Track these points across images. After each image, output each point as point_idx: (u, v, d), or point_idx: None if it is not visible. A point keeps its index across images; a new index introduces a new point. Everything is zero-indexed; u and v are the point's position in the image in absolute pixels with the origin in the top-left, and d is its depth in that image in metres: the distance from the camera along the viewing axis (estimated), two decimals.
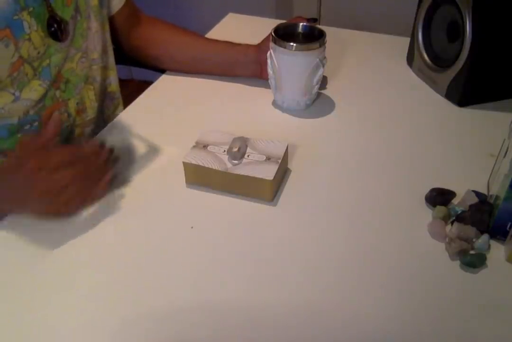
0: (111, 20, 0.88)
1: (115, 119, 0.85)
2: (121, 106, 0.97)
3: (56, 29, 0.73)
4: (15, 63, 0.68)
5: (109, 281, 0.59)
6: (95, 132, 0.85)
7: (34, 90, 0.72)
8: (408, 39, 0.97)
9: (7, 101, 0.70)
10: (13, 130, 0.74)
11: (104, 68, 0.88)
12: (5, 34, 0.65)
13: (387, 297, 0.57)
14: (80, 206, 0.66)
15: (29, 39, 0.68)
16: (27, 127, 0.75)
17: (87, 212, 0.67)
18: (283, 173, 0.72)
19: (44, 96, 0.75)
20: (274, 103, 0.89)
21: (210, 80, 0.94)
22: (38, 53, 0.70)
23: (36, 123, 0.76)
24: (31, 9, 0.67)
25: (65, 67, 0.78)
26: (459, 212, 0.65)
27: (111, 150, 0.69)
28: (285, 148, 0.71)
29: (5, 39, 0.65)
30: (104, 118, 0.92)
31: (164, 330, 0.54)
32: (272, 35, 0.80)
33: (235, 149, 0.68)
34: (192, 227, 0.65)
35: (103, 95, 0.90)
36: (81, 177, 0.64)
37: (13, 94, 0.70)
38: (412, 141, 0.80)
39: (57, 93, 0.77)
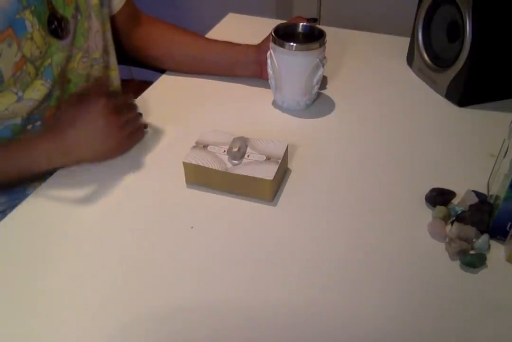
0: (112, 20, 0.88)
1: None
2: None
3: (56, 26, 0.73)
4: (18, 63, 0.68)
5: (109, 281, 0.59)
6: None
7: (37, 90, 0.73)
8: (408, 39, 0.97)
9: (10, 102, 0.70)
10: (16, 130, 0.74)
11: (106, 68, 0.88)
12: (8, 34, 0.65)
13: (387, 297, 0.57)
14: (133, 142, 0.77)
15: (31, 38, 0.68)
16: (29, 127, 0.76)
17: (88, 213, 0.67)
18: (283, 173, 0.72)
19: (47, 96, 0.75)
20: (274, 103, 0.89)
21: (210, 80, 0.94)
22: (40, 52, 0.70)
23: (38, 123, 0.77)
24: (33, 8, 0.67)
25: (67, 67, 0.78)
26: (459, 212, 0.65)
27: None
28: (285, 148, 0.71)
29: (8, 38, 0.65)
30: None
31: (164, 330, 0.54)
32: (272, 35, 0.80)
33: (235, 149, 0.68)
34: (192, 227, 0.65)
35: None
36: (134, 119, 0.76)
37: (16, 94, 0.70)
38: (412, 141, 0.80)
39: (59, 93, 0.77)
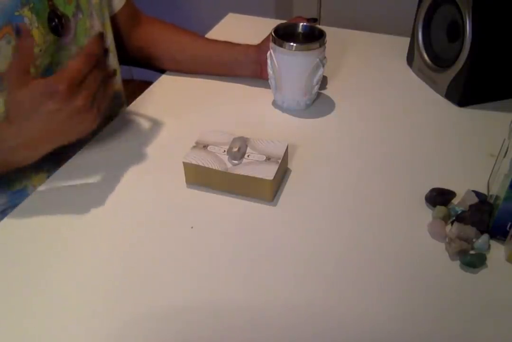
0: (112, 20, 0.88)
1: (114, 120, 0.85)
2: (125, 106, 0.96)
3: (57, 23, 0.72)
4: None
5: (109, 281, 0.59)
6: (95, 132, 0.85)
7: None
8: (408, 39, 0.97)
9: None
10: None
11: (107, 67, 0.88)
12: (7, 31, 0.65)
13: (387, 297, 0.57)
14: (105, 108, 0.66)
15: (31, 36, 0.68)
16: None
17: (88, 212, 0.67)
18: (283, 173, 0.72)
19: None
20: (274, 103, 0.89)
21: (210, 80, 0.94)
22: (40, 51, 0.70)
23: None
24: (31, 5, 0.67)
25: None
26: (459, 212, 0.65)
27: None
28: (285, 148, 0.71)
29: (6, 35, 0.65)
30: (108, 117, 0.92)
31: (164, 330, 0.54)
32: (272, 35, 0.80)
33: (235, 149, 0.68)
34: (192, 227, 0.65)
35: None
36: (100, 85, 0.64)
37: None
38: (412, 141, 0.80)
39: None
